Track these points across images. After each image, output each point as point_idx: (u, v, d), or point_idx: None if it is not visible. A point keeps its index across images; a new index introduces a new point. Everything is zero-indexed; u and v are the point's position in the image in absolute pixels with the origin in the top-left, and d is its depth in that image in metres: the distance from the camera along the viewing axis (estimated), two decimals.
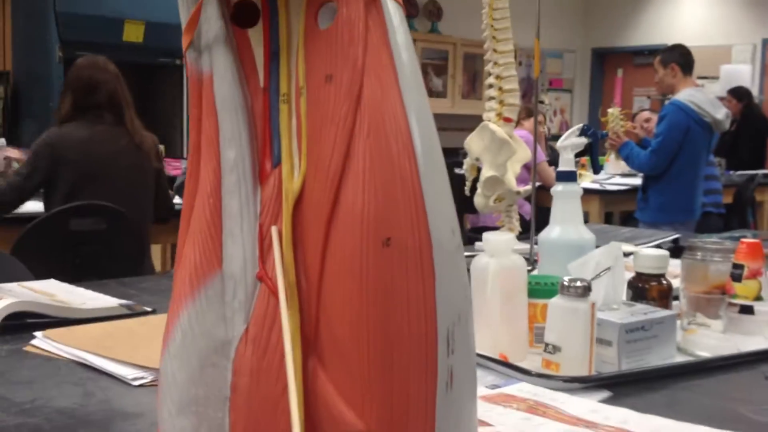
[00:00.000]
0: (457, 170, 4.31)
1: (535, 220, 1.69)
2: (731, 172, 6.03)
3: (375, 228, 0.51)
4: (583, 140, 1.42)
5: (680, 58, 4.26)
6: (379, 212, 0.51)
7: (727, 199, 5.23)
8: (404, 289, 0.51)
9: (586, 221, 1.32)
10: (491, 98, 1.82)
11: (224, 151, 0.56)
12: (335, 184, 0.52)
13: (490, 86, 1.83)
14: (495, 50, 1.81)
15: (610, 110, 4.54)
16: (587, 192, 3.88)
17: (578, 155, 1.43)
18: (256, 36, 0.58)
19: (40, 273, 1.68)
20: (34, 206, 3.12)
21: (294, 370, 0.50)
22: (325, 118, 0.53)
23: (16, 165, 3.51)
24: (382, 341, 0.51)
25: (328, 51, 0.54)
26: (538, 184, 1.91)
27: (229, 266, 0.55)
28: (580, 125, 1.46)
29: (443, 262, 0.53)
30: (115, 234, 2.76)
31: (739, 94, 6.86)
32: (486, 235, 1.08)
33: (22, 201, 2.92)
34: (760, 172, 5.99)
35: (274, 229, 0.54)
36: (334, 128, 0.53)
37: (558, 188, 1.30)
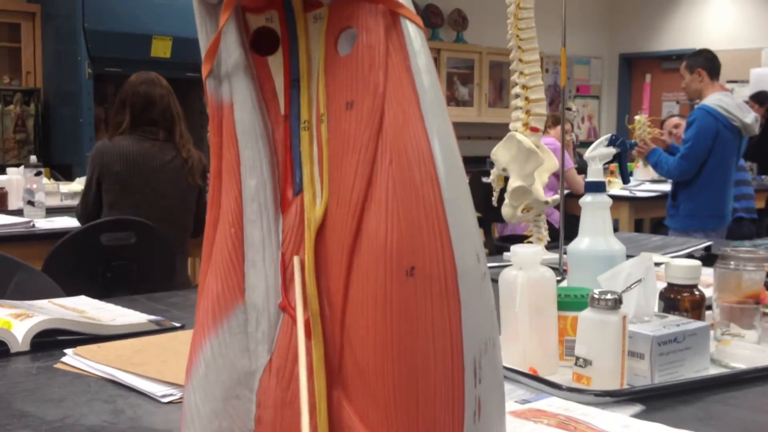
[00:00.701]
0: (484, 179, 4.30)
1: (563, 229, 1.68)
2: (762, 177, 5.95)
3: (399, 257, 0.50)
4: (612, 150, 1.41)
5: (706, 62, 4.21)
6: (402, 241, 0.50)
7: (759, 204, 5.16)
8: (429, 319, 0.50)
9: (616, 229, 1.30)
10: (518, 108, 1.82)
11: (245, 179, 0.55)
12: (358, 213, 0.51)
13: (517, 96, 1.82)
14: (521, 60, 1.80)
15: (636, 117, 4.51)
16: (617, 199, 3.85)
17: (607, 162, 1.42)
18: (275, 63, 0.58)
19: (71, 287, 1.69)
20: (65, 222, 3.16)
21: (319, 400, 0.49)
22: (347, 145, 0.53)
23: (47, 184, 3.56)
24: (408, 372, 0.50)
25: (349, 77, 0.53)
26: (566, 191, 1.90)
27: (252, 296, 0.54)
28: (608, 135, 1.44)
29: (469, 290, 0.52)
30: (146, 248, 2.78)
31: (760, 98, 6.77)
32: (514, 248, 1.07)
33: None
34: None
35: (296, 259, 0.54)
36: (356, 156, 0.52)
37: (587, 199, 1.28)
